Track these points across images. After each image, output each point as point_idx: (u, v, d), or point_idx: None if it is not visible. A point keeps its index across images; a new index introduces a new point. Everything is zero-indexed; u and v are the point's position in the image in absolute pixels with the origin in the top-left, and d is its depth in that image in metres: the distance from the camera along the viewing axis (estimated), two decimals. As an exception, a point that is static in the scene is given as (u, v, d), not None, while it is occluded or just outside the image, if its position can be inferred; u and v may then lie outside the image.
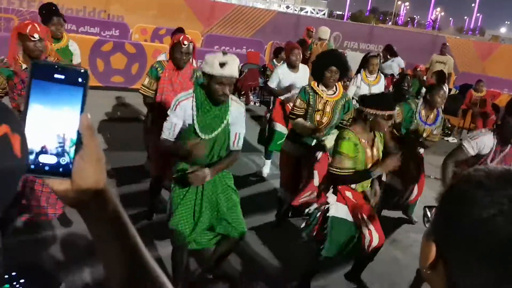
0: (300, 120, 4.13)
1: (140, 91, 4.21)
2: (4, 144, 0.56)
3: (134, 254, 0.76)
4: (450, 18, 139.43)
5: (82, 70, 0.69)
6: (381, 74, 6.34)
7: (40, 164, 0.67)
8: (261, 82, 10.66)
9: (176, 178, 3.07)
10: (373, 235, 3.32)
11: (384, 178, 4.31)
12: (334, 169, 3.27)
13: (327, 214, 3.38)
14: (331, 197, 3.40)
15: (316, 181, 3.62)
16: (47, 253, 3.56)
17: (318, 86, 4.10)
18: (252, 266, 3.84)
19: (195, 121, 2.92)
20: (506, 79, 15.96)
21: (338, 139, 3.31)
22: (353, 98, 5.36)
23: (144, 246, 0.76)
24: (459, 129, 10.04)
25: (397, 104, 4.34)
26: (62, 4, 5.15)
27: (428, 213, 4.86)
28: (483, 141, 3.74)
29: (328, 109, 4.09)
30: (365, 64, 5.98)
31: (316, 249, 3.47)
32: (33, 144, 0.66)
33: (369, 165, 3.34)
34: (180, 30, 4.69)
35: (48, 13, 4.72)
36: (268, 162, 5.83)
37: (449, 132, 9.86)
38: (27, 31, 3.23)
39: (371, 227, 3.33)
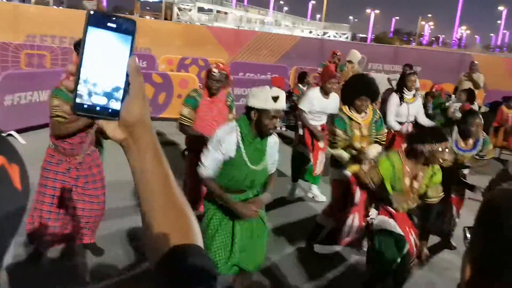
0: (341, 152, 4.05)
1: (180, 121, 4.12)
2: (2, 177, 0.51)
3: (168, 181, 0.80)
4: (476, 36, 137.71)
5: (131, 20, 0.74)
6: (418, 93, 6.28)
7: (92, 105, 0.72)
8: (286, 107, 10.68)
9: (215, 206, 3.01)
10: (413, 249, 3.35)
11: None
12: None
13: (373, 227, 3.40)
14: (372, 211, 3.41)
15: (357, 197, 3.67)
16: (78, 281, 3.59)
17: (350, 111, 4.11)
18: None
19: (243, 153, 2.86)
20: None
21: (381, 155, 3.40)
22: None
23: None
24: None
25: None
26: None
27: (468, 234, 4.69)
28: None
29: (365, 132, 4.09)
30: (403, 82, 5.96)
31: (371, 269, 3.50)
32: (87, 85, 0.71)
33: (407, 196, 3.31)
34: None
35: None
36: (295, 185, 5.80)
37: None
38: None
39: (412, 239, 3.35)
